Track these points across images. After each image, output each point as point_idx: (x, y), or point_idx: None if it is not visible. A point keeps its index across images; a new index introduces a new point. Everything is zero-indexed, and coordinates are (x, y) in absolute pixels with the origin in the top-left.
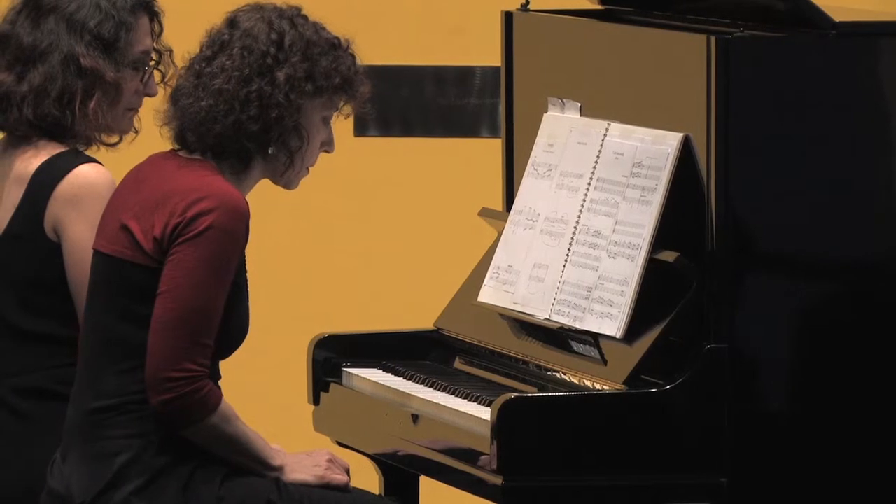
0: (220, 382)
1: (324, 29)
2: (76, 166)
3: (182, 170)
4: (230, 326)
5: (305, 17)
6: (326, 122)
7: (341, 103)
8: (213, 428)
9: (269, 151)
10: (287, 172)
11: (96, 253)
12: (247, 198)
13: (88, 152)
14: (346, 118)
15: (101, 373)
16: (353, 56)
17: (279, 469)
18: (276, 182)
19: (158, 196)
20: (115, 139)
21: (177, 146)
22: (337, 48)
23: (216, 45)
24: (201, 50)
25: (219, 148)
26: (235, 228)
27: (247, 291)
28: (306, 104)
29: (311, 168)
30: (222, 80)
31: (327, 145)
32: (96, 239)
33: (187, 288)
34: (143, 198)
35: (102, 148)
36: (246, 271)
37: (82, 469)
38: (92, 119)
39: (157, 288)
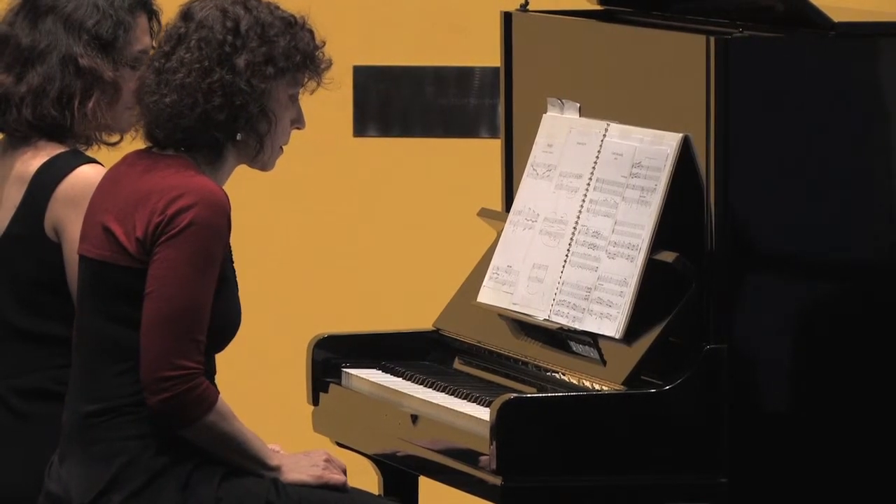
0: (220, 383)
1: (278, 8)
2: (76, 167)
3: (157, 167)
4: (221, 320)
5: (258, 0)
6: (294, 99)
7: (305, 80)
8: (210, 426)
9: (238, 137)
10: (259, 156)
11: (82, 258)
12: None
13: (89, 152)
14: (311, 94)
15: (95, 376)
16: (310, 31)
17: (276, 469)
18: (252, 166)
19: (137, 196)
20: (115, 138)
21: (149, 143)
22: (293, 26)
23: (173, 39)
24: (159, 46)
25: (189, 141)
26: (217, 222)
27: (235, 283)
28: (270, 87)
29: (285, 148)
30: (183, 73)
31: (297, 122)
32: (80, 244)
33: (174, 286)
34: (121, 199)
35: (104, 147)
36: (233, 263)
37: (80, 471)
38: (91, 119)
39: (144, 288)
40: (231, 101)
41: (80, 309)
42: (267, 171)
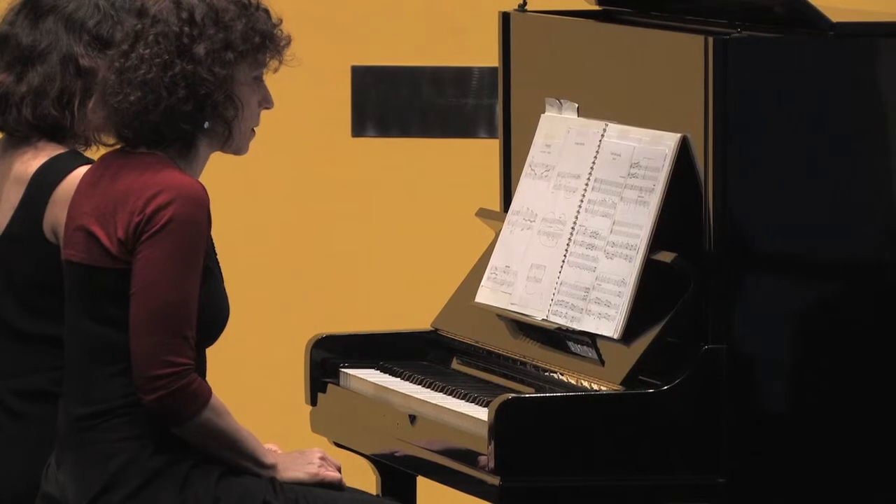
0: (217, 383)
1: None
2: (75, 168)
3: (131, 166)
4: (209, 313)
5: None
6: (258, 81)
7: (267, 60)
8: (206, 422)
9: (206, 126)
10: (230, 141)
11: (66, 262)
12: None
13: (88, 153)
14: (274, 73)
15: (88, 379)
16: (266, 11)
17: (272, 467)
18: (225, 152)
19: (115, 197)
20: (113, 139)
21: (121, 144)
22: (248, 8)
23: (130, 37)
24: (118, 45)
25: (159, 137)
26: (196, 217)
27: (220, 275)
28: (232, 72)
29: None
30: (144, 70)
31: (265, 103)
32: (64, 249)
33: (159, 284)
34: (100, 201)
35: (102, 148)
36: (216, 255)
37: (77, 474)
38: (90, 119)
39: (130, 289)
40: (195, 91)
41: (70, 312)
42: (242, 156)
